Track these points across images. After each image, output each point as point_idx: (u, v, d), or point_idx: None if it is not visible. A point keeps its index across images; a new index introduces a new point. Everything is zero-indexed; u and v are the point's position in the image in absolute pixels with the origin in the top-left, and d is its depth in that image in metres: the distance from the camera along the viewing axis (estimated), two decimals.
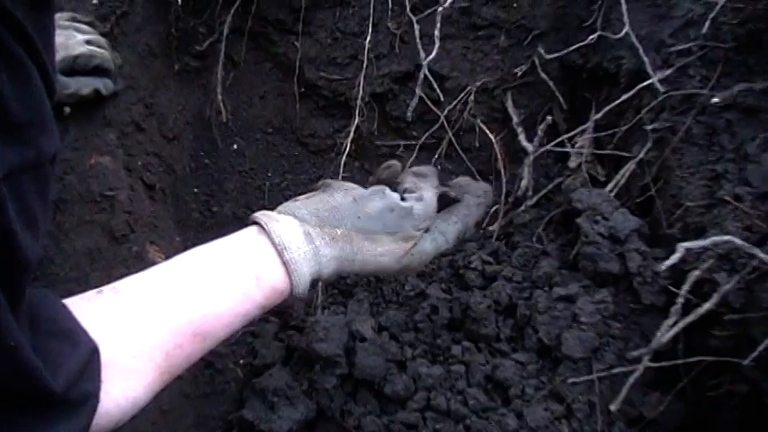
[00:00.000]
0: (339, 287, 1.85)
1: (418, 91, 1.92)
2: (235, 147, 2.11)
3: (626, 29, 1.59)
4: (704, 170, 1.42)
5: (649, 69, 1.54)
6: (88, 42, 1.49)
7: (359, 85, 1.94)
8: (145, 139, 1.73)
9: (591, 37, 1.69)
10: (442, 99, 1.94)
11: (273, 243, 0.95)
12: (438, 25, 1.85)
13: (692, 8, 1.54)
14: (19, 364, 0.58)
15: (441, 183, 1.21)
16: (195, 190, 2.01)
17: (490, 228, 1.88)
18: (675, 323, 1.30)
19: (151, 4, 1.83)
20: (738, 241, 1.20)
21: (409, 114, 1.97)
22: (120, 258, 1.45)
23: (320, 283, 1.69)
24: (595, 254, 1.46)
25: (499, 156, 1.93)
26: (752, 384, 1.26)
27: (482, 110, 1.97)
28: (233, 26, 2.00)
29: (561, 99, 1.88)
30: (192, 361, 0.87)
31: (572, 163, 1.75)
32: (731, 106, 1.43)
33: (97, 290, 0.82)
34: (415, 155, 2.01)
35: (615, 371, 1.39)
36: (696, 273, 1.29)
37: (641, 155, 1.56)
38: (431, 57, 1.84)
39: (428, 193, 1.13)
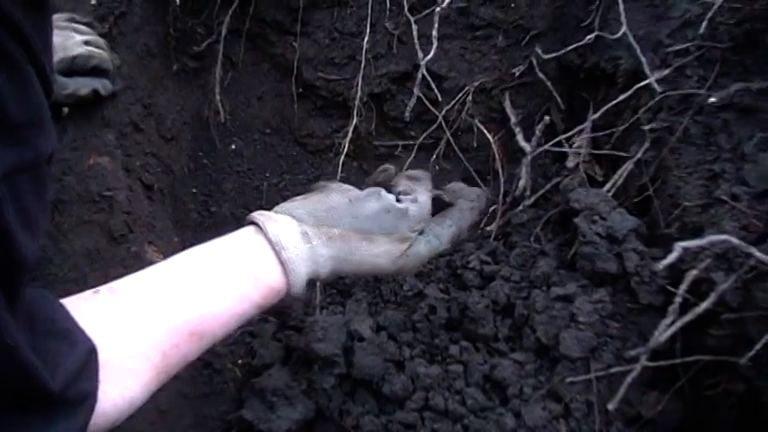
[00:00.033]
0: (337, 287, 1.86)
1: (416, 91, 1.92)
2: (233, 147, 2.11)
3: (623, 29, 1.59)
4: (701, 170, 1.43)
5: (647, 69, 1.54)
6: (86, 43, 1.49)
7: (357, 85, 1.95)
8: (143, 140, 1.73)
9: (588, 37, 1.70)
10: (440, 99, 1.94)
11: (270, 242, 0.95)
12: (436, 25, 1.85)
13: (690, 8, 1.54)
14: (18, 364, 0.59)
15: (434, 187, 1.21)
16: (193, 190, 2.01)
17: (488, 228, 1.88)
18: (673, 322, 1.30)
19: (149, 5, 1.83)
20: (735, 240, 1.20)
21: (407, 114, 1.97)
22: (118, 258, 1.45)
23: (318, 284, 1.70)
24: (593, 254, 1.46)
25: (497, 156, 1.93)
26: (749, 383, 1.27)
27: (480, 110, 1.97)
28: (231, 27, 2.00)
29: (559, 99, 1.88)
30: (188, 360, 0.87)
31: (570, 163, 1.75)
32: (728, 106, 1.43)
33: (94, 290, 0.82)
34: (413, 155, 2.01)
35: (613, 370, 1.39)
36: (693, 272, 1.29)
37: (639, 155, 1.57)
38: (429, 57, 1.85)
39: (423, 195, 1.14)
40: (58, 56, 1.40)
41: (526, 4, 1.91)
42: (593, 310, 1.43)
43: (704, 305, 1.26)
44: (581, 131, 1.74)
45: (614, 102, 1.62)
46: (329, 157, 2.11)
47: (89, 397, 0.71)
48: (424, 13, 1.90)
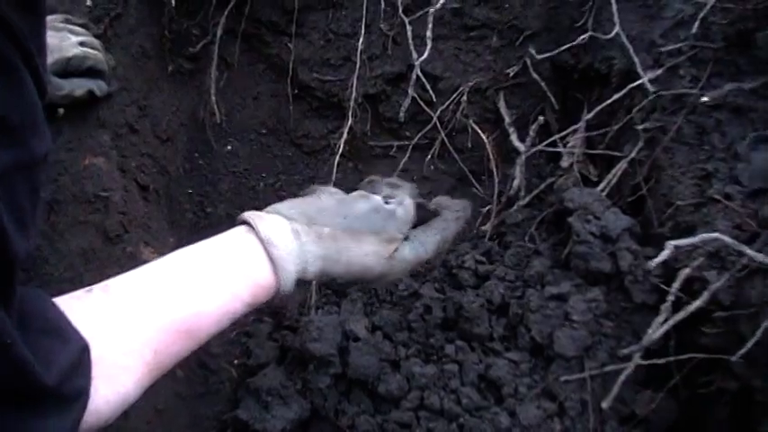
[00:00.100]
0: (333, 287, 1.86)
1: (411, 92, 1.93)
2: (228, 148, 2.11)
3: (616, 29, 1.60)
4: (695, 169, 1.43)
5: (640, 69, 1.55)
6: (82, 44, 1.49)
7: (352, 86, 1.95)
8: (139, 141, 1.73)
9: (582, 37, 1.70)
10: (435, 100, 1.95)
11: (261, 240, 0.96)
12: (430, 26, 1.85)
13: (682, 9, 1.55)
14: (13, 360, 0.59)
15: (422, 194, 1.23)
16: (189, 191, 2.01)
17: (483, 227, 1.89)
18: (666, 320, 1.30)
19: (144, 6, 1.83)
20: (727, 239, 1.21)
21: (402, 115, 1.97)
22: (113, 259, 1.45)
23: (314, 283, 1.70)
24: (587, 253, 1.47)
25: (491, 156, 1.94)
26: (742, 381, 1.27)
27: (474, 110, 1.98)
28: (226, 28, 2.00)
29: (553, 99, 1.89)
30: (180, 357, 0.88)
31: (564, 163, 1.76)
32: (721, 106, 1.44)
33: (87, 288, 0.83)
34: (407, 155, 2.02)
35: (607, 369, 1.39)
36: (686, 271, 1.30)
37: (632, 154, 1.57)
38: (423, 57, 1.85)
39: (407, 200, 1.15)
40: (53, 57, 1.41)
41: (520, 5, 1.91)
42: (587, 308, 1.43)
43: (697, 303, 1.27)
44: (575, 131, 1.75)
45: (608, 102, 1.63)
46: (325, 157, 2.11)
47: (82, 394, 0.71)
48: (418, 14, 1.90)
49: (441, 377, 1.52)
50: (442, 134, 1.98)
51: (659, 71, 1.54)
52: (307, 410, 1.52)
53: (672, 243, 1.25)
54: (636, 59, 1.56)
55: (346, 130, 1.94)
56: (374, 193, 1.16)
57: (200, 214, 2.01)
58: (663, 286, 1.35)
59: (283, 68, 2.06)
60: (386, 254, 1.08)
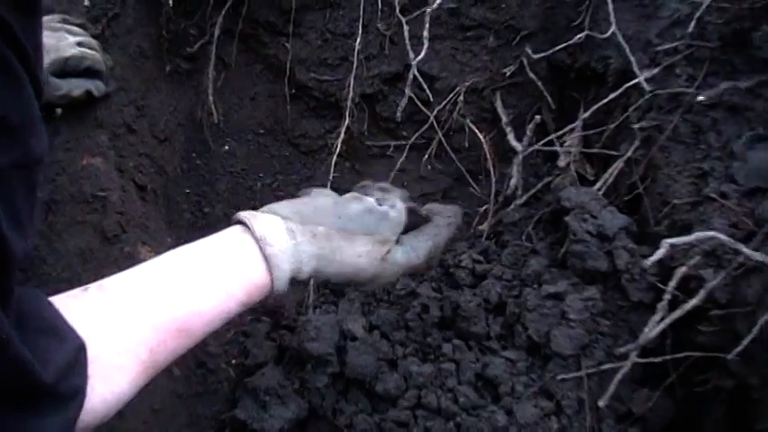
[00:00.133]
0: (330, 286, 1.86)
1: (408, 91, 1.93)
2: (226, 148, 2.11)
3: (613, 28, 1.60)
4: (691, 168, 1.44)
5: (636, 69, 1.56)
6: (79, 44, 1.49)
7: (349, 85, 1.95)
8: (136, 141, 1.73)
9: (578, 36, 1.71)
10: (432, 99, 1.95)
11: (256, 238, 0.97)
12: (427, 26, 1.86)
13: (679, 8, 1.55)
14: (11, 358, 0.59)
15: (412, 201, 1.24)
16: (187, 191, 2.01)
17: (480, 227, 1.89)
18: (662, 319, 1.31)
19: (142, 6, 1.83)
20: (722, 237, 1.21)
21: (399, 115, 1.98)
22: (111, 258, 1.46)
23: (311, 283, 1.71)
24: (584, 252, 1.47)
25: (488, 155, 1.94)
26: (738, 379, 1.28)
27: (471, 110, 1.98)
28: (224, 28, 2.00)
29: (550, 99, 1.89)
30: (176, 356, 0.88)
31: (561, 162, 1.76)
32: (717, 105, 1.44)
33: (82, 287, 0.83)
34: (405, 155, 2.02)
35: (604, 367, 1.39)
36: (683, 269, 1.30)
37: (629, 153, 1.58)
38: (420, 57, 1.86)
39: (399, 203, 1.16)
40: (50, 57, 1.41)
41: (516, 5, 1.92)
42: (583, 307, 1.44)
43: (693, 302, 1.27)
44: (572, 131, 1.75)
45: (604, 101, 1.63)
46: (322, 157, 2.12)
47: (79, 392, 0.71)
48: (415, 14, 1.91)
49: (438, 376, 1.52)
50: (439, 134, 1.99)
51: (655, 70, 1.54)
52: (304, 410, 1.53)
53: (667, 241, 1.25)
54: (632, 59, 1.56)
55: (343, 130, 1.94)
56: (367, 196, 1.17)
57: (198, 214, 2.02)
58: (659, 285, 1.35)
59: (280, 68, 2.06)
60: (378, 255, 1.09)
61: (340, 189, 1.88)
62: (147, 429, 1.41)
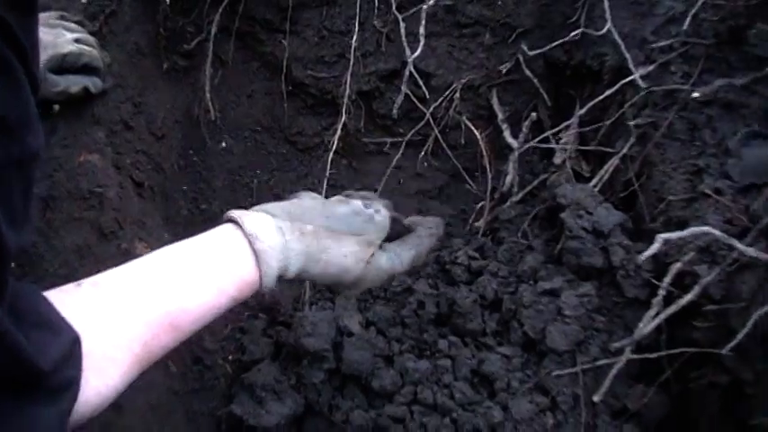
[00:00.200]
0: None
1: (404, 88, 1.93)
2: (223, 145, 2.12)
3: (608, 26, 1.61)
4: (686, 165, 1.44)
5: (632, 66, 1.56)
6: (77, 41, 1.49)
7: (346, 83, 1.96)
8: (133, 138, 1.73)
9: (574, 33, 1.71)
10: (428, 96, 1.95)
11: (246, 235, 0.98)
12: (423, 23, 1.86)
13: (674, 5, 1.56)
14: (8, 347, 0.60)
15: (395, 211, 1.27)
16: (184, 188, 2.01)
17: (476, 224, 1.89)
18: (657, 314, 1.31)
19: (139, 4, 1.83)
20: (716, 232, 1.22)
21: (395, 112, 1.98)
22: (108, 255, 1.46)
23: (307, 282, 1.71)
24: (579, 248, 1.48)
25: (485, 152, 1.95)
26: (732, 374, 1.28)
27: (468, 107, 1.98)
28: (221, 25, 2.00)
29: (545, 96, 1.89)
30: (168, 350, 0.90)
31: (557, 159, 1.76)
32: (712, 102, 1.44)
33: (76, 283, 0.84)
34: (401, 152, 2.02)
35: (599, 363, 1.40)
36: (678, 265, 1.31)
37: (624, 150, 1.58)
38: (416, 54, 1.86)
39: (383, 210, 1.20)
40: (48, 53, 1.41)
41: (513, 2, 1.92)
42: (579, 303, 1.44)
43: (688, 297, 1.28)
44: (567, 128, 1.76)
45: (600, 98, 1.64)
46: (318, 154, 2.12)
47: (73, 383, 0.72)
48: (411, 12, 1.91)
49: (434, 372, 1.52)
50: (436, 131, 1.99)
51: (651, 67, 1.55)
52: (301, 405, 1.53)
53: (661, 236, 1.26)
54: (627, 56, 1.57)
55: (340, 127, 1.95)
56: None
57: (195, 211, 2.02)
58: (654, 281, 1.36)
59: (277, 66, 2.06)
60: (364, 257, 1.12)
61: (336, 186, 1.89)
62: (144, 425, 1.41)
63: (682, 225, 1.37)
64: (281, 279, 1.03)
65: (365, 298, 1.78)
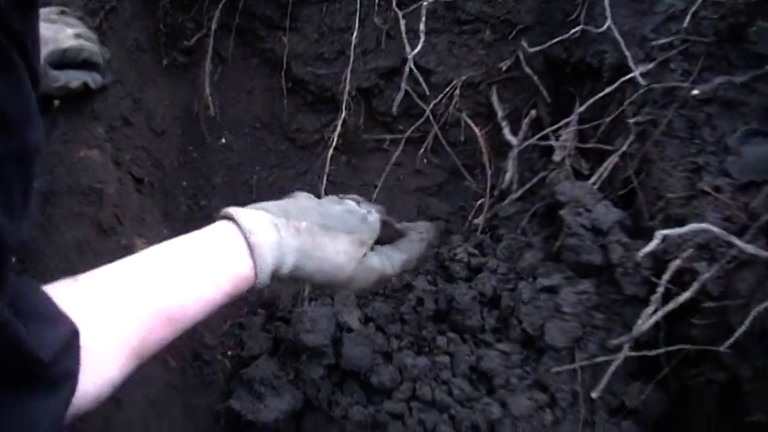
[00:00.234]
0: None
1: (404, 85, 1.93)
2: (223, 141, 2.12)
3: (608, 23, 1.60)
4: (685, 162, 1.44)
5: (631, 63, 1.56)
6: (77, 36, 1.49)
7: (345, 79, 1.95)
8: (133, 134, 1.74)
9: (574, 31, 1.71)
10: (428, 93, 1.95)
11: (242, 230, 0.99)
12: (423, 20, 1.86)
13: (674, 3, 1.56)
14: (8, 338, 0.60)
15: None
16: (183, 184, 2.01)
17: (475, 221, 1.90)
18: (655, 311, 1.31)
19: (139, 0, 1.84)
20: (715, 229, 1.22)
21: (395, 109, 1.98)
22: (107, 251, 1.46)
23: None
24: (578, 245, 1.48)
25: (484, 149, 1.95)
26: (730, 372, 1.28)
27: (467, 104, 1.98)
28: (221, 22, 2.00)
29: (545, 93, 1.89)
30: (164, 344, 0.90)
31: (556, 156, 1.76)
32: (712, 99, 1.44)
33: (73, 278, 0.84)
34: (400, 148, 2.03)
35: (597, 360, 1.40)
36: (677, 262, 1.31)
37: (624, 148, 1.58)
38: (416, 51, 1.86)
39: (375, 212, 1.23)
40: (48, 48, 1.41)
41: None
42: (577, 300, 1.44)
43: (686, 294, 1.28)
44: (567, 125, 1.75)
45: (599, 95, 1.63)
46: (318, 151, 2.12)
47: (72, 375, 0.73)
48: (411, 8, 1.90)
49: (433, 368, 1.53)
50: (435, 128, 1.99)
51: (650, 65, 1.55)
52: (300, 401, 1.53)
53: (660, 233, 1.26)
54: (627, 53, 1.57)
55: (340, 124, 1.94)
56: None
57: (194, 207, 2.02)
58: (653, 278, 1.36)
59: (277, 62, 2.06)
60: (357, 255, 1.14)
61: (336, 182, 1.89)
62: (143, 420, 1.41)
63: (681, 222, 1.37)
64: (276, 276, 1.04)
65: (364, 294, 1.78)
